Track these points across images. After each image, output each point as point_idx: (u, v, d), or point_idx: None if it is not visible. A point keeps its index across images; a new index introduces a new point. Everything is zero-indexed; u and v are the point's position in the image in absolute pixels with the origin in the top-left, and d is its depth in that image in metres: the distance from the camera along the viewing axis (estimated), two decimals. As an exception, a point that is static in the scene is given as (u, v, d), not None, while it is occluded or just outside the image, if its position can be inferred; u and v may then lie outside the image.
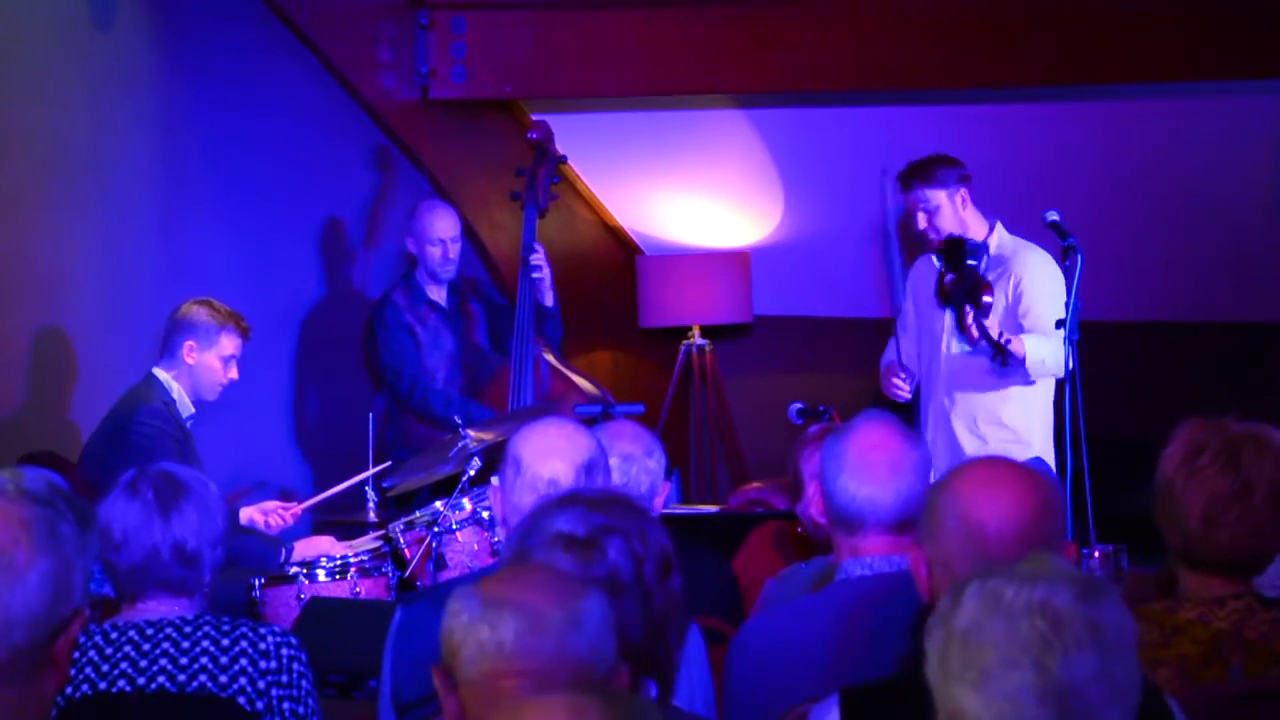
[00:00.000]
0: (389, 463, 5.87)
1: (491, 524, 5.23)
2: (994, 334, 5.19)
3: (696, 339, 7.57)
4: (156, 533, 3.21)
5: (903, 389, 5.69)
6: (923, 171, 5.65)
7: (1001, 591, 1.92)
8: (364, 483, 5.71)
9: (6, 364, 5.69)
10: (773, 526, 4.59)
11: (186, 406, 5.48)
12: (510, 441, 3.35)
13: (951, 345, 5.58)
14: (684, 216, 7.84)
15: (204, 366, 5.48)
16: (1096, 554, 4.43)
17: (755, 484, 6.23)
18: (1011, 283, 5.51)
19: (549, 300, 6.65)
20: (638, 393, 7.13)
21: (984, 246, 5.37)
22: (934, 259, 5.45)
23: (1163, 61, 6.75)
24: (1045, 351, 5.33)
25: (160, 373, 5.48)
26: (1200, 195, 7.21)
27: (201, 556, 3.24)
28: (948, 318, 5.47)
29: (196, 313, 5.50)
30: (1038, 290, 5.49)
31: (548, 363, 6.67)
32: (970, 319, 5.15)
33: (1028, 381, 5.45)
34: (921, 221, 5.64)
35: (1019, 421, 5.54)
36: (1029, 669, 1.88)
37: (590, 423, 3.83)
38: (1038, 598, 1.90)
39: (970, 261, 5.22)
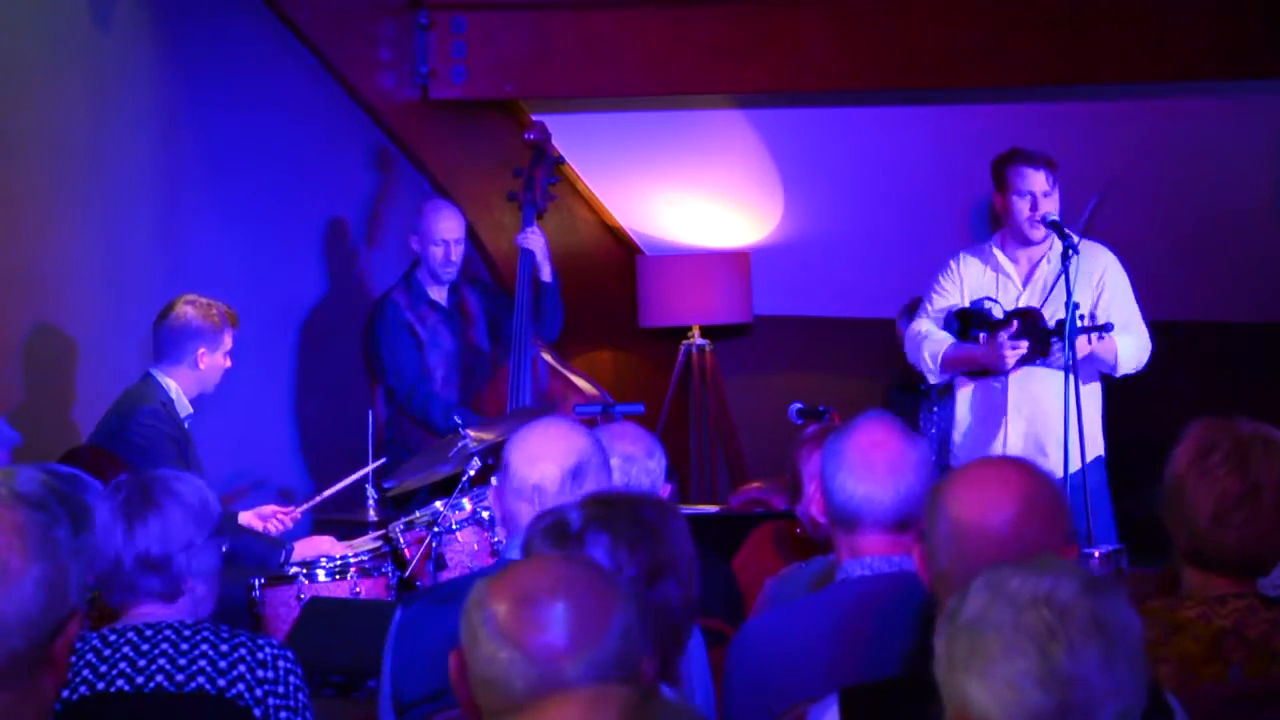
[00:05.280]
0: (384, 459, 5.86)
1: (491, 524, 5.23)
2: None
3: (696, 339, 7.57)
4: (119, 542, 3.20)
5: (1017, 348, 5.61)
6: (1051, 160, 5.74)
7: (1007, 583, 1.94)
8: (362, 480, 5.71)
9: (6, 364, 5.69)
10: (772, 526, 4.58)
11: (185, 406, 5.52)
12: (506, 443, 3.36)
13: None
14: (684, 216, 7.84)
15: (213, 367, 5.59)
16: (1096, 554, 4.43)
17: (755, 484, 6.22)
18: (1094, 279, 5.66)
19: (546, 274, 6.66)
20: (638, 393, 7.13)
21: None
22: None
23: (1163, 62, 6.75)
24: (1132, 348, 5.62)
25: (158, 373, 5.51)
26: (1203, 196, 7.21)
27: (172, 561, 3.21)
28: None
29: (195, 316, 5.53)
30: (1119, 285, 5.70)
31: (546, 362, 6.68)
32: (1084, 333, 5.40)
33: (1104, 371, 5.66)
34: (1043, 205, 5.65)
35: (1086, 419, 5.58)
36: (1032, 656, 1.89)
37: (590, 423, 3.83)
38: (1043, 589, 1.92)
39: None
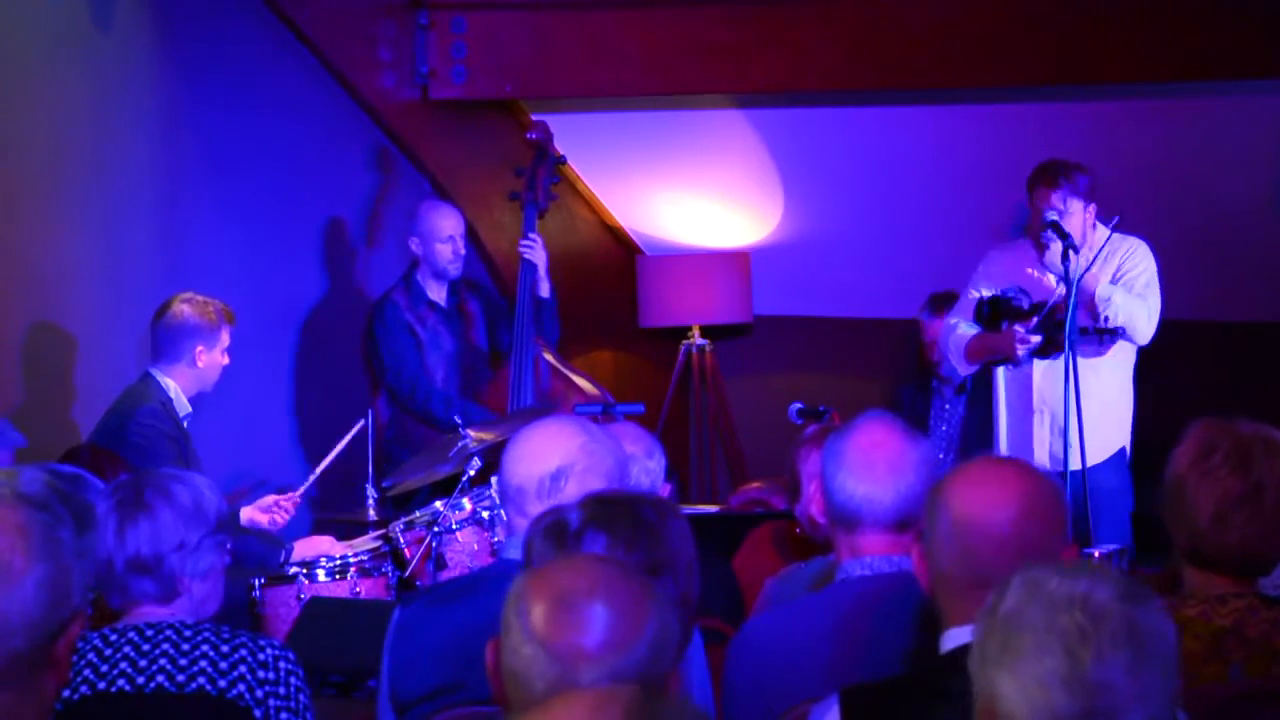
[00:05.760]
0: (361, 421, 5.77)
1: (491, 524, 5.24)
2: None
3: (696, 339, 7.57)
4: (110, 545, 3.19)
5: (1027, 340, 5.69)
6: (1068, 176, 5.75)
7: (1046, 582, 1.94)
8: (351, 443, 5.67)
9: (5, 364, 5.69)
10: (772, 526, 4.58)
11: (184, 406, 5.52)
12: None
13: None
14: (684, 216, 7.84)
15: (212, 364, 5.59)
16: (1096, 554, 4.42)
17: (755, 484, 6.22)
18: (1117, 263, 5.76)
19: (544, 291, 6.65)
20: (638, 393, 7.12)
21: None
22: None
23: (1163, 62, 6.75)
24: (1132, 301, 5.65)
25: (157, 373, 5.51)
26: (1203, 195, 7.21)
27: (164, 562, 3.20)
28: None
29: (192, 314, 5.53)
30: (1143, 262, 5.78)
31: (547, 362, 6.68)
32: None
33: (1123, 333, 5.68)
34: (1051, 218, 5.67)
35: (1102, 415, 5.62)
36: (1060, 657, 1.89)
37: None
38: (1080, 591, 1.92)
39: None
